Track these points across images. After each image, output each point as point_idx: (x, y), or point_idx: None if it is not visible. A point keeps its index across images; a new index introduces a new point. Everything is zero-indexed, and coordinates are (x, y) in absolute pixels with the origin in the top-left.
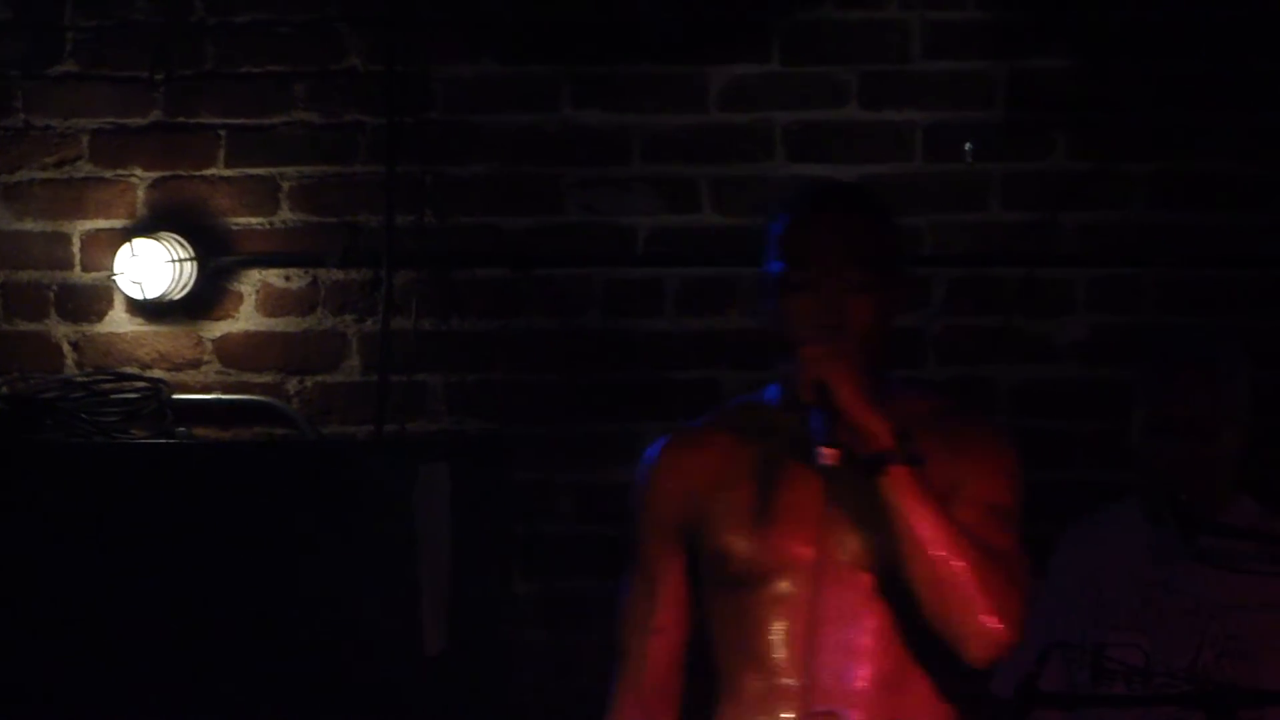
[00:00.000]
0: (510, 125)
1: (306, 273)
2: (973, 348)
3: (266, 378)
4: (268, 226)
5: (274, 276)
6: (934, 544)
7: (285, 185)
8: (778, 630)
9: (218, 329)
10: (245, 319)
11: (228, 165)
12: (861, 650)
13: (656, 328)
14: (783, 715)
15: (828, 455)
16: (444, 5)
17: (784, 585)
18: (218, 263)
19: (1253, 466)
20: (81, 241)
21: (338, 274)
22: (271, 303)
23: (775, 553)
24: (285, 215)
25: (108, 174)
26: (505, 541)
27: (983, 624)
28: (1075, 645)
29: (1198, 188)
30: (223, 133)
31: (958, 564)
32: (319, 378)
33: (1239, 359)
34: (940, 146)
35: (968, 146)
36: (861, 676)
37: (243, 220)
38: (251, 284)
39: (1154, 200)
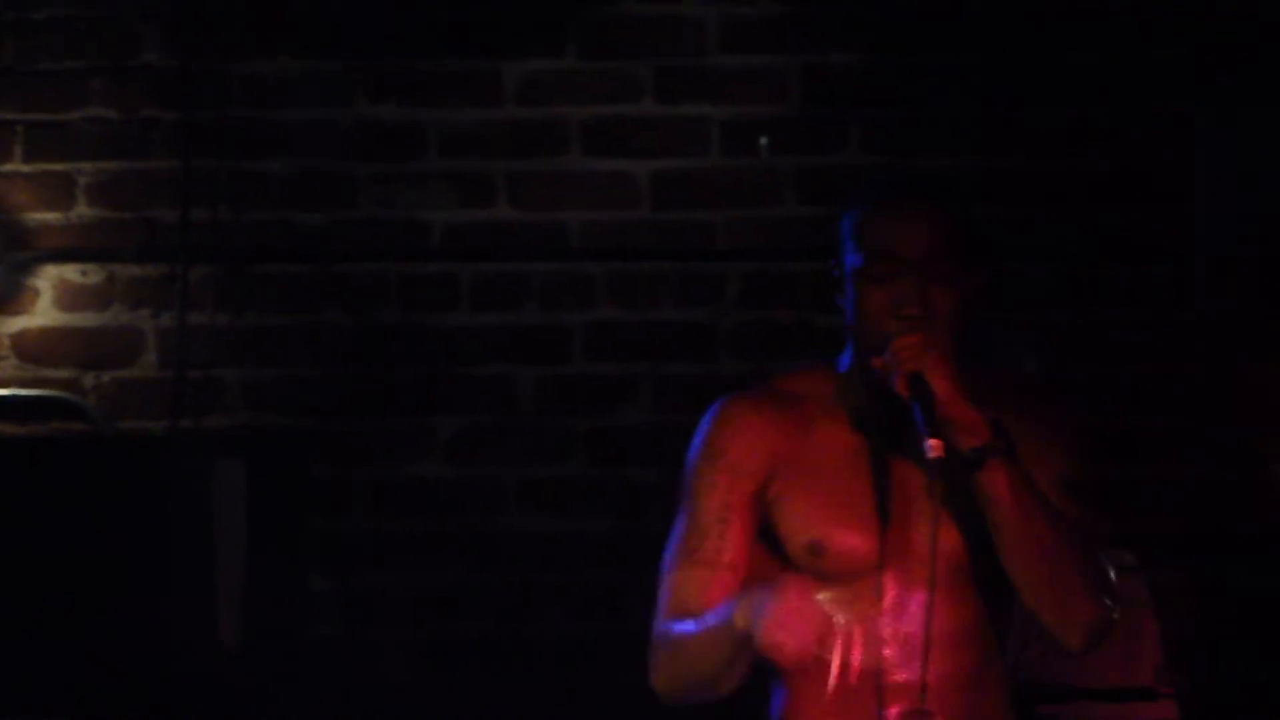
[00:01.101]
0: (305, 121)
1: (103, 268)
2: (766, 343)
3: (63, 373)
4: (65, 222)
5: (71, 272)
6: (1039, 535)
7: (82, 181)
8: (861, 628)
9: (14, 324)
10: (42, 314)
11: (25, 161)
12: (944, 649)
13: (452, 322)
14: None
15: (934, 447)
16: (239, 1)
17: (874, 582)
18: (14, 258)
19: None
20: None
21: (134, 269)
22: (68, 298)
23: (888, 553)
24: (82, 210)
25: None
26: (302, 537)
27: (1090, 610)
28: None
29: (988, 182)
30: (20, 128)
31: (1062, 553)
32: (116, 373)
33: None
34: (736, 141)
35: (763, 141)
36: (944, 676)
37: (39, 216)
38: (49, 279)
39: None
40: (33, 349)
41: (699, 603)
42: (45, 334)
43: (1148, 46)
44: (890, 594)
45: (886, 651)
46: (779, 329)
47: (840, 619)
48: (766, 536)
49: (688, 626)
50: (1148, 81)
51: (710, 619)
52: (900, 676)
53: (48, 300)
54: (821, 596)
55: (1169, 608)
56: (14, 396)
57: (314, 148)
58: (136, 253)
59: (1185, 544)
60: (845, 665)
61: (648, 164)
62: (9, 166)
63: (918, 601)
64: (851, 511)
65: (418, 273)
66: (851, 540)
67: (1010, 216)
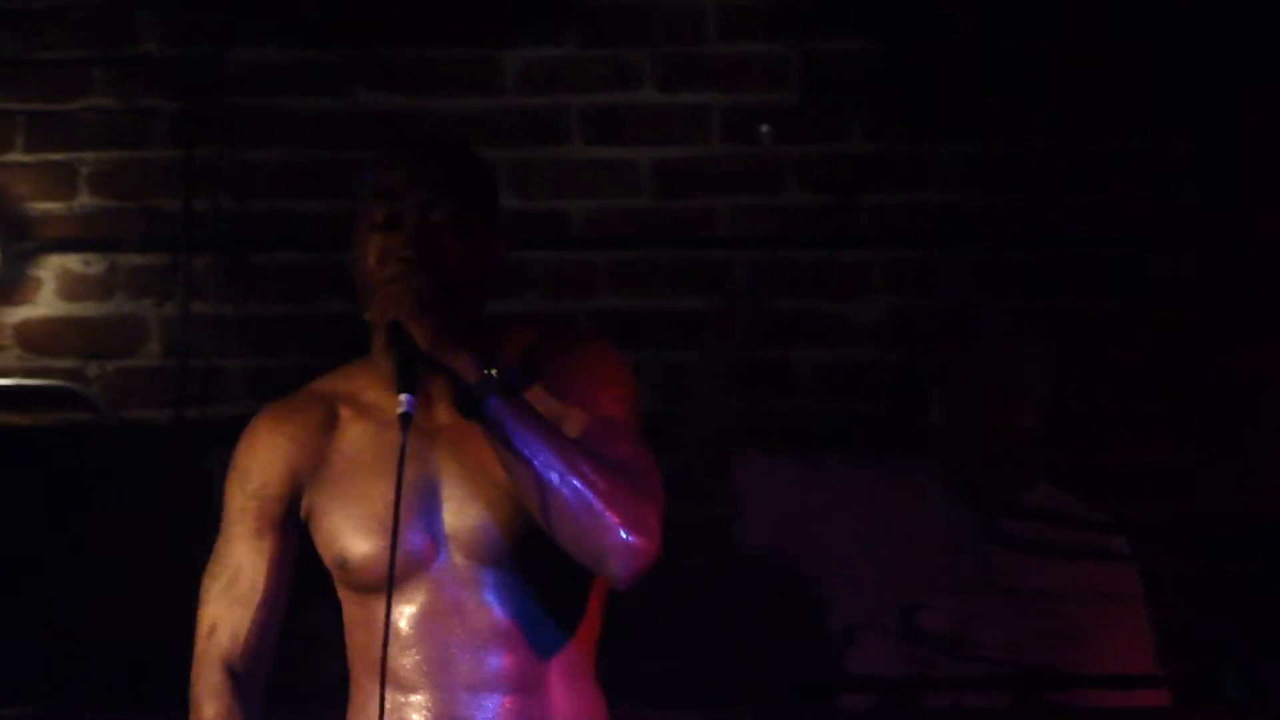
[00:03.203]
0: (305, 109)
1: (105, 257)
2: (767, 330)
3: (67, 363)
4: (67, 212)
5: (73, 261)
6: (549, 465)
7: (84, 170)
8: (406, 637)
9: (17, 314)
10: (45, 304)
11: (26, 150)
12: (490, 650)
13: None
14: None
15: (402, 403)
16: None
17: (410, 586)
18: (17, 248)
19: (1050, 451)
20: None
21: (136, 258)
22: (71, 287)
23: (401, 556)
24: (84, 200)
25: None
26: None
27: (618, 538)
28: (877, 624)
29: (992, 169)
30: (21, 118)
31: (579, 481)
32: (119, 362)
33: (1033, 329)
34: (736, 129)
35: (764, 129)
36: (494, 681)
37: (42, 205)
38: (51, 269)
39: (949, 182)
40: (36, 339)
41: (237, 646)
42: (48, 324)
43: (1147, 31)
44: (420, 601)
45: (424, 660)
46: (781, 316)
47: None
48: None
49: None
50: (1147, 68)
51: None
52: (443, 690)
53: (50, 290)
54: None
55: (1164, 594)
56: (17, 386)
57: (315, 136)
58: (139, 242)
59: (1181, 530)
60: (393, 678)
61: (649, 152)
62: (10, 156)
63: (444, 602)
64: (371, 516)
65: None
66: (364, 548)
67: (1012, 203)
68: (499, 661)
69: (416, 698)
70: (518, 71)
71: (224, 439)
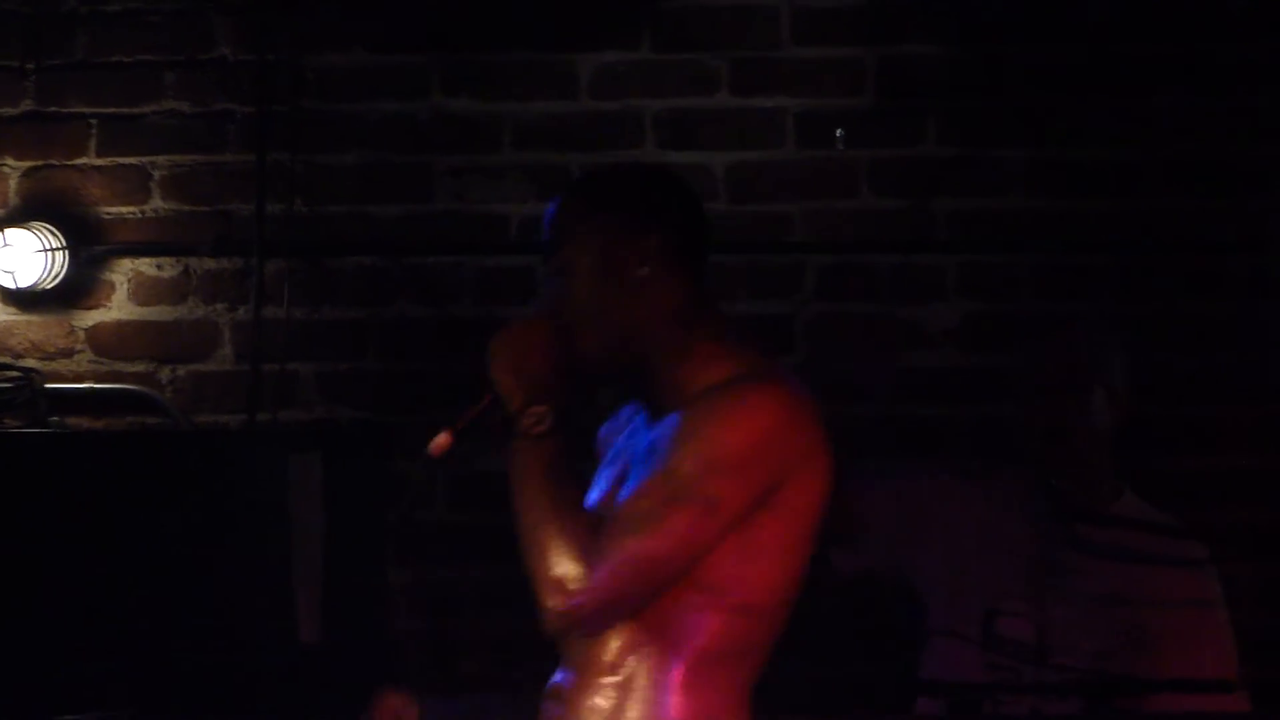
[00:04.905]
0: (381, 113)
1: (178, 262)
2: (843, 335)
3: (139, 367)
4: (140, 215)
5: (146, 265)
6: (525, 510)
7: (156, 174)
8: None
9: (90, 318)
10: (118, 308)
11: (99, 154)
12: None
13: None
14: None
15: (438, 446)
16: None
17: None
18: (90, 252)
19: (1129, 456)
20: None
21: (209, 263)
22: (144, 292)
23: None
24: (157, 204)
25: None
26: (379, 530)
27: (541, 601)
28: (958, 631)
29: (1068, 174)
30: (94, 122)
31: (535, 540)
32: (191, 367)
33: (1112, 332)
34: (811, 133)
35: (839, 133)
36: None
37: (115, 209)
38: (124, 273)
39: (1024, 187)
40: (108, 343)
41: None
42: (121, 328)
43: (1225, 37)
44: None
45: None
46: (856, 321)
47: None
48: None
49: None
50: (1226, 72)
51: None
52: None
53: (123, 294)
54: None
55: (1243, 600)
56: (90, 390)
57: (389, 140)
58: (212, 246)
59: (1261, 535)
60: None
61: (723, 156)
62: (83, 160)
63: None
64: None
65: (494, 265)
66: None
67: (1088, 209)
68: None
69: None
70: (592, 76)
71: (296, 443)
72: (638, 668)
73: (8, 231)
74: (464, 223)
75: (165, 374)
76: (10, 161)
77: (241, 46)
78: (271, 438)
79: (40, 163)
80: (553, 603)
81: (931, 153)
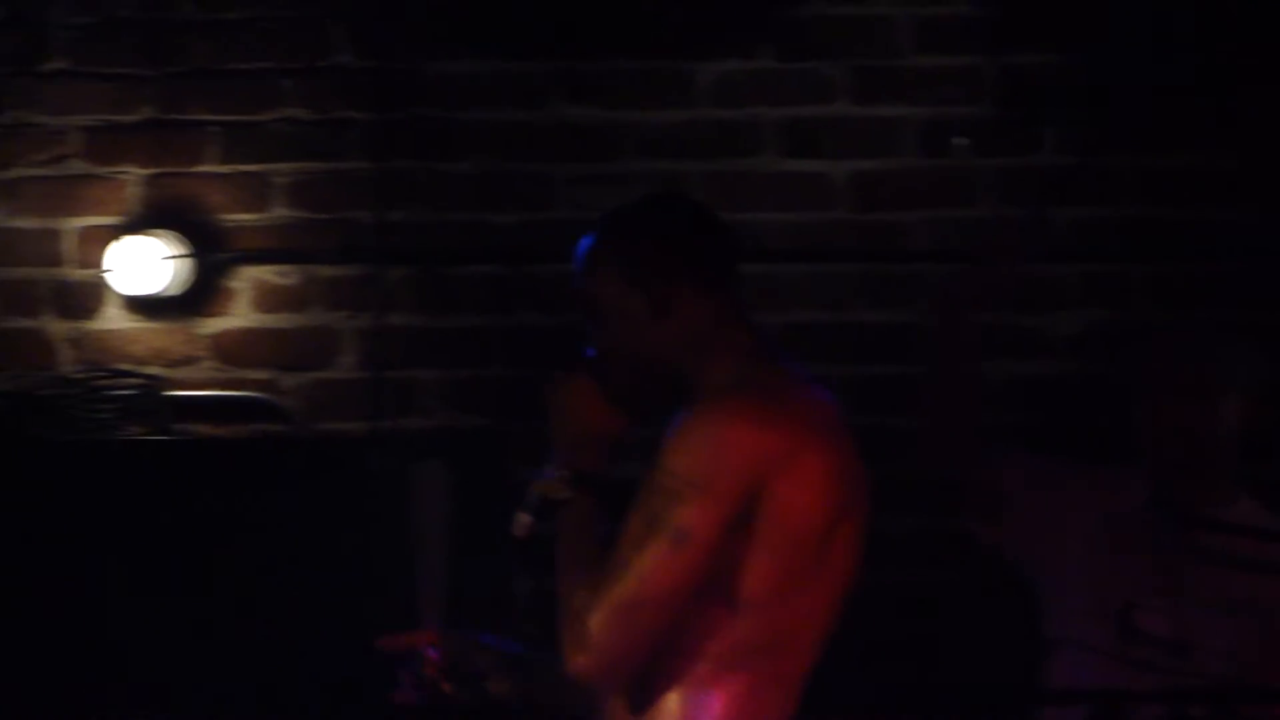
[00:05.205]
0: (501, 121)
1: (300, 269)
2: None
3: (261, 374)
4: (261, 223)
5: (268, 273)
6: (560, 571)
7: (277, 181)
8: None
9: (212, 325)
10: (240, 315)
11: (220, 162)
12: None
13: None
14: None
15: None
16: (433, 1)
17: None
18: (212, 259)
19: (1248, 464)
20: (74, 238)
21: (331, 270)
22: (266, 299)
23: None
24: (278, 211)
25: (100, 171)
26: (502, 539)
27: (568, 659)
28: (1089, 629)
29: (1187, 182)
30: (214, 129)
31: (565, 603)
32: (313, 374)
33: (1236, 337)
34: (932, 142)
35: (958, 142)
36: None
37: (236, 217)
38: (245, 280)
39: (1143, 195)
40: (230, 350)
41: None
42: (243, 335)
43: None
44: None
45: None
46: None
47: None
48: None
49: None
50: None
51: None
52: None
53: (245, 301)
54: None
55: None
56: (212, 397)
57: (509, 148)
58: (333, 254)
59: None
60: None
61: (843, 165)
62: (204, 167)
63: None
64: None
65: None
66: None
67: (1214, 218)
68: None
69: None
70: (712, 84)
71: (418, 451)
72: (661, 686)
73: (129, 239)
74: (584, 231)
75: (288, 381)
76: (131, 169)
77: (360, 54)
78: (394, 445)
79: (160, 170)
80: (571, 668)
81: (1049, 161)
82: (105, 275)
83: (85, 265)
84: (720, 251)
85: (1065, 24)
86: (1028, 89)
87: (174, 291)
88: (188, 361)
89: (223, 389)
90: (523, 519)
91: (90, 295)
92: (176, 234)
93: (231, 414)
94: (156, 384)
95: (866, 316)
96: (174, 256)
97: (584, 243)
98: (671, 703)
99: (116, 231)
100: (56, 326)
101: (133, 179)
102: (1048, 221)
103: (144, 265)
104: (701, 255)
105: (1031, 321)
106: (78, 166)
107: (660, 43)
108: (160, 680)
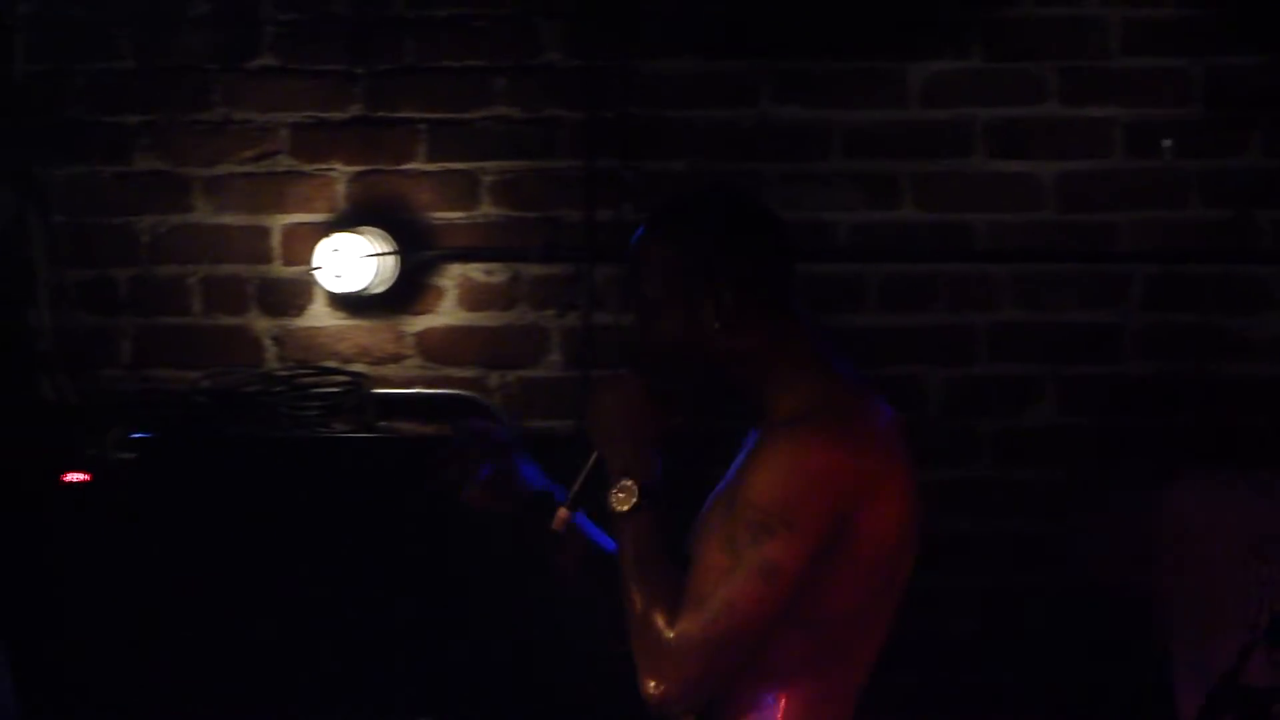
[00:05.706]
0: (710, 120)
1: (508, 267)
2: (1170, 345)
3: (467, 372)
4: (468, 221)
5: (475, 271)
6: (623, 582)
7: (486, 180)
8: None
9: (419, 323)
10: (446, 313)
11: (428, 160)
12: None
13: (859, 323)
14: None
15: (560, 520)
16: (644, 0)
17: None
18: (419, 257)
19: None
20: (281, 235)
21: (538, 268)
22: (472, 297)
23: None
24: (486, 210)
25: (308, 168)
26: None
27: (640, 677)
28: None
29: None
30: (423, 127)
31: (632, 621)
32: (520, 372)
33: None
34: (1139, 143)
35: (1166, 143)
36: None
37: (443, 214)
38: (452, 278)
39: None
40: (437, 348)
41: None
42: (450, 333)
43: None
44: None
45: None
46: (1183, 331)
47: None
48: None
49: None
50: None
51: None
52: None
53: (452, 299)
54: None
55: None
56: (419, 395)
57: (718, 147)
58: (541, 252)
59: None
60: None
61: (1051, 165)
62: (413, 165)
63: None
64: None
65: (823, 273)
66: None
67: None
68: None
69: None
70: (922, 84)
71: None
72: (723, 698)
73: (336, 236)
74: (793, 230)
75: (494, 379)
76: (339, 166)
77: (569, 53)
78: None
79: (369, 167)
80: (645, 693)
81: (1256, 163)
82: (312, 272)
83: (292, 262)
84: (770, 250)
85: (1273, 25)
86: (1235, 90)
87: (380, 289)
88: (393, 359)
89: (428, 387)
90: (561, 514)
91: (297, 292)
92: (383, 231)
93: (437, 412)
94: (361, 381)
95: (1073, 316)
96: (380, 254)
97: (635, 237)
98: (734, 713)
99: (324, 229)
100: (262, 323)
101: (340, 176)
102: (1253, 223)
103: (351, 262)
104: (756, 257)
105: (1235, 323)
106: (285, 163)
107: (870, 43)
108: (353, 675)
